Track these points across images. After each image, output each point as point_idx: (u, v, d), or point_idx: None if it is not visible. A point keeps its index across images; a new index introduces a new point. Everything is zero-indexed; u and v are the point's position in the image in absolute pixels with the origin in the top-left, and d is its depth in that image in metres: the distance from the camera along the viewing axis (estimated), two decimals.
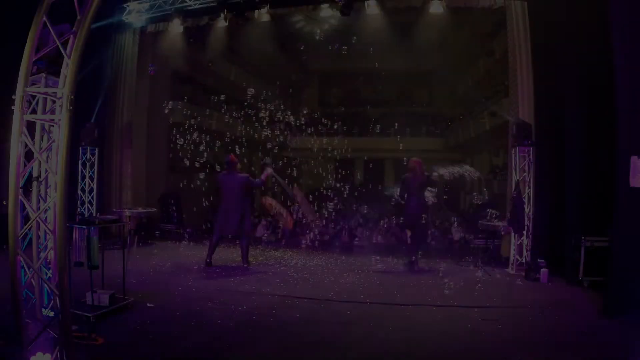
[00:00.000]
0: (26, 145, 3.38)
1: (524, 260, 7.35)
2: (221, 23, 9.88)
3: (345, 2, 8.89)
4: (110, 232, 9.27)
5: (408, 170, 7.57)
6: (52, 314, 3.50)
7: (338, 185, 11.77)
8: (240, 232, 7.52)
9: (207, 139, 10.67)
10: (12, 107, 3.26)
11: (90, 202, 9.32)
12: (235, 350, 3.99)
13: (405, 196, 7.55)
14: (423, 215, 7.52)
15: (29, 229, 3.49)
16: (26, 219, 3.44)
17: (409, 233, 7.91)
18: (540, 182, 7.50)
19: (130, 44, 10.46)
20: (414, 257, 7.57)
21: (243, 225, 7.45)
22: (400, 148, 12.48)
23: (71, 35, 3.33)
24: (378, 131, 16.36)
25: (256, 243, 10.40)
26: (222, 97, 12.13)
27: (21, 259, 3.27)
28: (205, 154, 10.69)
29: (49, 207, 3.44)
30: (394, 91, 19.23)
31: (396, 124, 15.72)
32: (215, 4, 9.49)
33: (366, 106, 19.52)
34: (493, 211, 8.18)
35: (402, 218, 8.29)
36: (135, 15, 10.15)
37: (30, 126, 3.55)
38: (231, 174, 7.49)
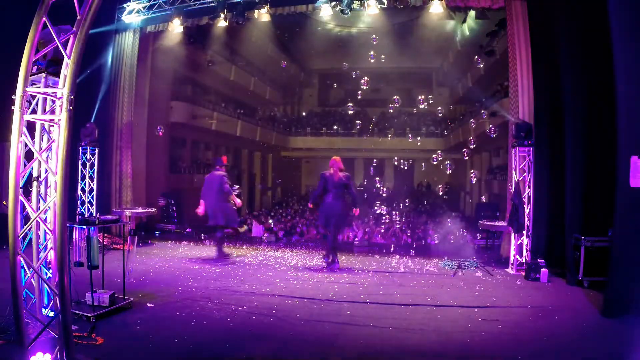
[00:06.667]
0: (26, 145, 3.38)
1: (524, 260, 7.35)
2: (221, 23, 9.89)
3: (345, 2, 8.87)
4: (110, 232, 9.31)
5: (329, 167, 7.53)
6: (52, 314, 3.50)
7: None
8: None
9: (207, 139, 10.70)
10: (12, 107, 3.26)
11: (90, 202, 9.32)
12: (236, 351, 3.99)
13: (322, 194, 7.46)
14: (341, 213, 7.44)
15: (29, 229, 3.49)
16: (26, 219, 3.45)
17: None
18: (540, 182, 7.49)
19: (130, 44, 10.45)
20: (330, 257, 7.52)
21: None
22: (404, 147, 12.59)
23: (71, 35, 3.34)
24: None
25: (256, 243, 10.41)
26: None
27: (21, 259, 3.28)
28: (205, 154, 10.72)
29: (49, 207, 3.44)
30: (394, 91, 19.32)
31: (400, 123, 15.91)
32: (215, 4, 9.49)
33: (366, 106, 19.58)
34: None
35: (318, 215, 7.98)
36: (135, 15, 10.15)
37: (30, 126, 3.55)
38: None
